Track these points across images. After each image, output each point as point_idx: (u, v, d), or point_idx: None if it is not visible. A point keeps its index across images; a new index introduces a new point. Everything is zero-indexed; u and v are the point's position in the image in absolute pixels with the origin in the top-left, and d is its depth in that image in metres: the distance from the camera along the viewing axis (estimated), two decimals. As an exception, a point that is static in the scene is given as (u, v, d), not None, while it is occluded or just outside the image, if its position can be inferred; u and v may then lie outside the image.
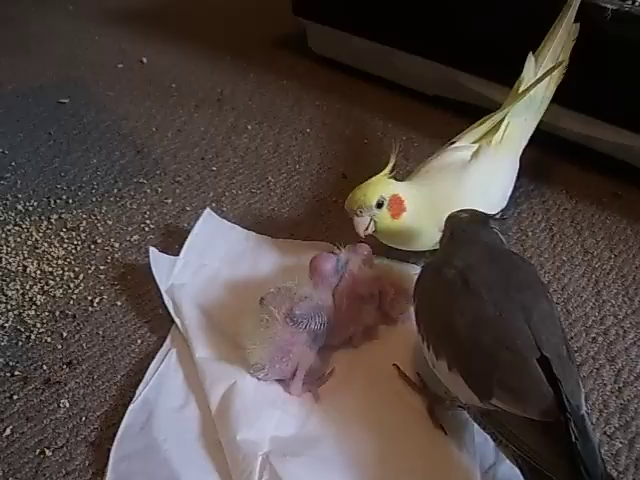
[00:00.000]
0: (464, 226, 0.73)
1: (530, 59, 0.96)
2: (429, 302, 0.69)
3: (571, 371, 0.61)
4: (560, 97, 1.06)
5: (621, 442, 0.70)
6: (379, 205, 0.81)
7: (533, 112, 0.96)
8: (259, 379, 0.74)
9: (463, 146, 0.92)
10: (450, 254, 0.70)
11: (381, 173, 0.84)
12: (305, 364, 0.74)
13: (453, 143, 0.93)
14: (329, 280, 0.78)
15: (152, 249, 0.90)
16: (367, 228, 0.83)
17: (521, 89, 0.95)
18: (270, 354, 0.73)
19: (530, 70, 0.96)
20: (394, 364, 0.76)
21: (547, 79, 0.93)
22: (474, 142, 0.93)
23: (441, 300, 0.67)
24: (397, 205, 0.82)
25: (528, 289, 0.66)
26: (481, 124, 0.94)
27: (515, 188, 1.06)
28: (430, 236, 0.83)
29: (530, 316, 0.62)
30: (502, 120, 0.93)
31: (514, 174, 0.95)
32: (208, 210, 0.98)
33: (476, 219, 0.75)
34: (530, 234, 0.98)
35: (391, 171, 0.85)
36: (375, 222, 0.83)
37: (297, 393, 0.74)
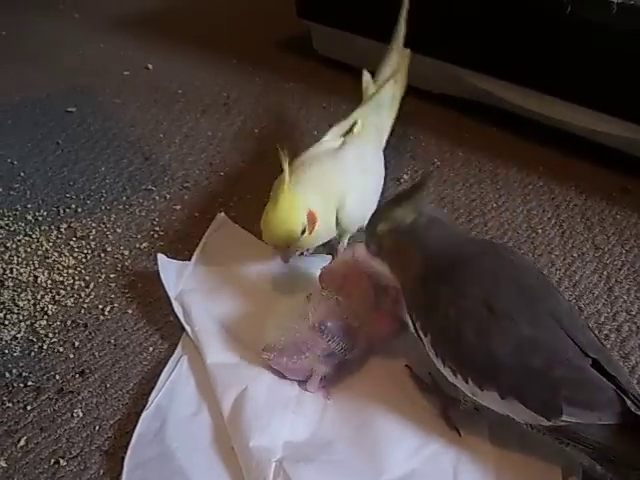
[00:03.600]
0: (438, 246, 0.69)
1: (364, 74, 1.07)
2: (456, 338, 0.64)
3: (613, 359, 0.63)
4: (567, 92, 1.06)
5: (636, 439, 0.70)
6: (303, 232, 0.80)
7: (385, 110, 1.03)
8: (264, 359, 0.74)
9: (330, 139, 0.95)
10: (451, 280, 0.66)
11: (284, 189, 0.79)
12: (319, 372, 0.74)
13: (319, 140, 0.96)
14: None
15: (160, 256, 0.91)
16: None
17: (369, 94, 1.03)
18: (283, 344, 0.73)
19: (365, 82, 1.07)
20: (406, 365, 0.76)
21: (392, 86, 1.03)
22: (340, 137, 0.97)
23: (470, 333, 0.63)
24: (312, 221, 0.80)
25: (544, 293, 0.66)
26: (340, 123, 0.98)
27: (524, 185, 1.07)
28: (330, 225, 0.85)
29: (561, 322, 0.62)
30: (358, 118, 0.98)
31: (382, 164, 0.97)
32: (222, 215, 0.98)
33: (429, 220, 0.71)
34: (540, 231, 0.97)
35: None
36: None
37: (313, 390, 0.74)
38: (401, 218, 0.70)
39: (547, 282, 0.69)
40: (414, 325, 0.70)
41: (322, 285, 0.79)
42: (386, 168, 0.97)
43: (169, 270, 0.89)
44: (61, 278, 0.92)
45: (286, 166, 0.80)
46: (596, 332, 0.80)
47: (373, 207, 0.86)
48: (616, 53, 0.98)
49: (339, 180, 0.86)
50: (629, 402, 0.59)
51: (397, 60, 1.08)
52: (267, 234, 0.80)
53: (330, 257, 0.90)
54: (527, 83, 1.10)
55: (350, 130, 0.96)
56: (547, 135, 1.13)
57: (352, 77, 1.37)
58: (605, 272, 0.90)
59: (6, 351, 0.82)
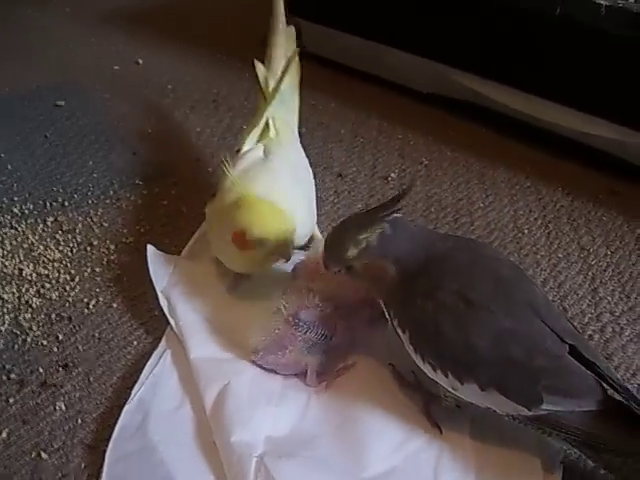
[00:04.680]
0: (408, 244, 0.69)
1: (257, 65, 0.99)
2: (434, 332, 0.64)
3: (590, 346, 0.64)
4: (555, 94, 1.06)
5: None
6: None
7: (289, 101, 0.97)
8: (254, 361, 0.75)
9: (250, 149, 0.90)
10: (427, 275, 0.66)
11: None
12: (313, 364, 0.74)
13: (239, 151, 0.90)
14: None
15: (150, 247, 0.91)
16: None
17: (270, 89, 0.96)
18: (266, 343, 0.74)
19: (261, 75, 0.98)
20: (389, 363, 0.76)
21: (287, 73, 0.95)
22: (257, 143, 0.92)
23: (449, 327, 0.63)
24: None
25: (519, 283, 0.67)
26: (252, 128, 0.92)
27: (511, 185, 1.07)
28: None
29: (539, 311, 0.63)
30: (268, 119, 0.93)
31: (307, 163, 0.95)
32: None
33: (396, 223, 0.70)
34: (526, 232, 0.98)
35: None
36: None
37: (313, 384, 0.74)
38: (369, 239, 0.68)
39: (522, 274, 0.70)
40: (392, 323, 0.70)
41: (297, 277, 0.79)
42: (310, 161, 0.96)
43: (157, 262, 0.89)
44: (46, 271, 0.92)
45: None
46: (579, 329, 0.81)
47: (314, 215, 0.90)
48: (604, 55, 0.99)
49: (282, 200, 0.80)
50: (608, 387, 0.60)
51: (284, 42, 1.01)
52: (264, 227, 0.76)
53: (304, 252, 0.89)
54: (515, 84, 1.10)
55: (264, 132, 0.92)
56: (535, 136, 1.14)
57: (341, 75, 1.38)
58: (590, 273, 0.91)
59: (-11, 344, 0.82)
